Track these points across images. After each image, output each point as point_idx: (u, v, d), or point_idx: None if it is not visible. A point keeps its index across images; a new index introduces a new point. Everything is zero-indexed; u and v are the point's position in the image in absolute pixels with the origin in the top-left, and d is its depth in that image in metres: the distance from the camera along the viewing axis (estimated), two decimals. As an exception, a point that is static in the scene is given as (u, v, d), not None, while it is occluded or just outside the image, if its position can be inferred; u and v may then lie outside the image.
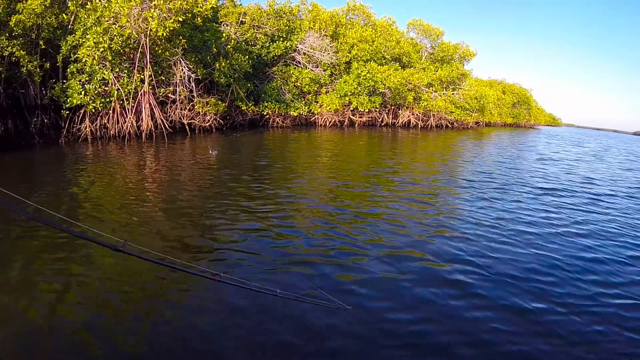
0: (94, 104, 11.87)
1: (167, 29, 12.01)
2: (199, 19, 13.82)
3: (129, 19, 11.70)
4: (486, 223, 6.55)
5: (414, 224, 6.26)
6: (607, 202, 9.31)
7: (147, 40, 12.23)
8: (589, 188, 11.04)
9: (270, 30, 21.55)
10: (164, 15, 11.95)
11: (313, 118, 24.12)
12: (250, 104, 19.16)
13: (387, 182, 9.41)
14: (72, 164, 9.05)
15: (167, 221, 5.59)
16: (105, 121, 12.72)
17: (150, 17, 11.73)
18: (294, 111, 21.63)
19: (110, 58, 11.99)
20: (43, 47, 11.63)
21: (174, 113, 14.30)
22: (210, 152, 10.01)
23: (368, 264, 4.60)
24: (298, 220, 6.03)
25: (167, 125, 13.23)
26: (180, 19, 12.35)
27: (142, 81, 12.72)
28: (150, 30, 11.87)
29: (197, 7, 13.04)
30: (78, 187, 7.01)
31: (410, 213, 6.85)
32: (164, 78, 13.80)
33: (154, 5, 11.73)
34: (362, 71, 24.31)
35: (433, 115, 31.09)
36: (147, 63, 12.57)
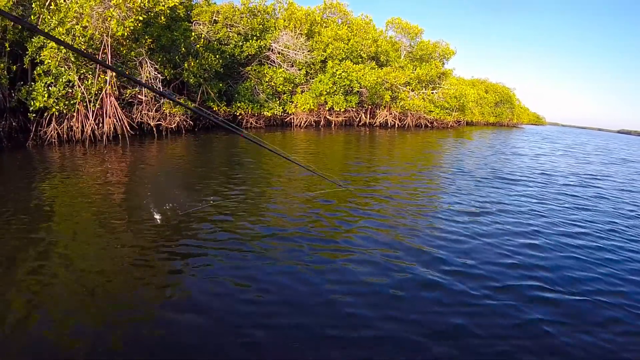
0: (58, 107, 12.27)
1: (127, 29, 12.38)
2: (162, 17, 14.24)
3: (89, 19, 12.14)
4: (454, 216, 7.36)
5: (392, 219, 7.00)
6: (551, 192, 10.32)
7: (110, 40, 12.68)
8: (544, 179, 12.63)
9: (243, 29, 22.08)
10: (124, 14, 12.40)
11: (288, 118, 24.72)
12: (223, 105, 19.68)
13: (361, 181, 10.15)
14: (36, 168, 9.50)
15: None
16: (72, 124, 13.12)
17: (110, 16, 12.15)
18: (268, 111, 22.18)
19: (73, 59, 12.42)
20: (8, 49, 12.00)
21: (140, 115, 14.76)
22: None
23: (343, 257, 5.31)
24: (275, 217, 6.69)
25: (128, 128, 13.61)
26: (141, 18, 12.74)
27: (107, 82, 13.18)
28: (111, 29, 12.34)
29: (159, 5, 13.44)
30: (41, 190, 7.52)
31: (386, 210, 7.54)
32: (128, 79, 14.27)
33: (114, 4, 12.17)
34: (337, 70, 25.05)
35: (411, 114, 32.09)
36: (109, 63, 13.01)
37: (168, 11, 14.22)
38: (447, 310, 4.10)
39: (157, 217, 4.41)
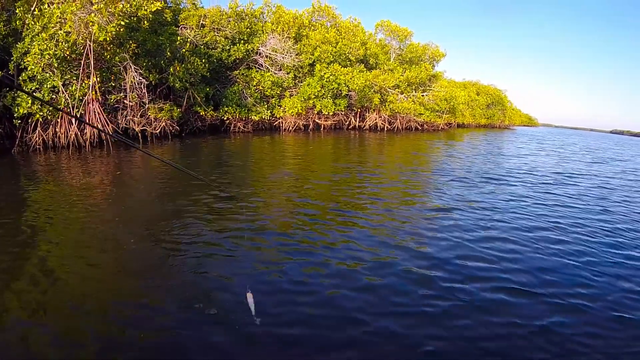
0: (42, 113, 12.46)
1: (110, 34, 12.60)
2: (145, 22, 14.47)
3: (72, 24, 12.33)
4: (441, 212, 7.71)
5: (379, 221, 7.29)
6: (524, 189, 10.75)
7: (92, 45, 12.89)
8: (521, 177, 13.20)
9: (230, 32, 22.38)
10: (105, 19, 12.58)
11: (276, 122, 25.03)
12: (210, 109, 19.93)
13: (350, 184, 10.46)
14: (20, 175, 9.69)
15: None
16: (57, 130, 13.29)
17: (91, 22, 12.35)
18: (256, 115, 22.47)
19: (56, 65, 12.64)
20: (-7, 55, 12.23)
21: (125, 120, 14.97)
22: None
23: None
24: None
25: (111, 134, 13.81)
26: (123, 23, 12.94)
27: (91, 88, 13.39)
28: (94, 35, 12.57)
29: (142, 10, 13.69)
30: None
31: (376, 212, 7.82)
32: (114, 84, 14.49)
33: (95, 9, 12.36)
34: (325, 73, 25.42)
35: (401, 117, 32.55)
36: (92, 69, 13.23)
37: (151, 15, 14.44)
38: (416, 302, 4.40)
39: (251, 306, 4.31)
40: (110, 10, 12.55)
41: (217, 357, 3.45)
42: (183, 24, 20.99)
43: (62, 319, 3.82)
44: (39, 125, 12.88)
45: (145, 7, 13.57)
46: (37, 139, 12.82)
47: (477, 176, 12.62)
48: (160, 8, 14.85)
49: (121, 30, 13.00)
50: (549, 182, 12.83)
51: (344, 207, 7.95)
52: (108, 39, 12.73)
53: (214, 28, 21.93)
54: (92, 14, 12.37)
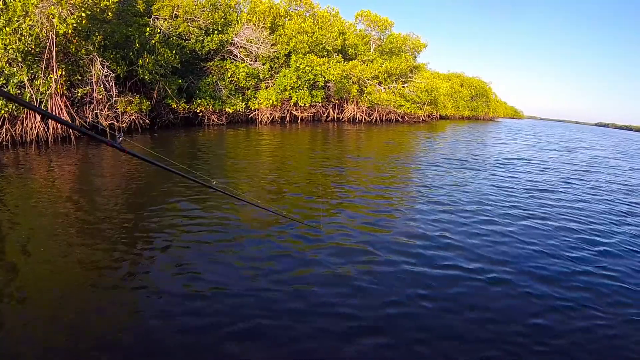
0: (7, 109, 12.73)
1: (70, 26, 12.84)
2: (109, 13, 14.72)
3: (34, 17, 12.52)
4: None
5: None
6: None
7: (55, 38, 13.05)
8: (483, 164, 14.21)
9: (204, 23, 22.64)
10: (66, 11, 12.77)
11: (252, 114, 25.45)
12: (182, 102, 20.27)
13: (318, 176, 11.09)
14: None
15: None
16: (25, 125, 13.55)
17: (51, 14, 12.57)
18: (230, 107, 22.85)
19: (19, 59, 12.92)
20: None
21: (92, 114, 15.27)
22: None
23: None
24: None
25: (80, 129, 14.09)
26: (84, 14, 13.15)
27: (55, 82, 13.69)
28: (55, 27, 12.78)
29: (104, 0, 13.88)
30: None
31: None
32: (80, 77, 14.78)
33: (55, 1, 12.55)
34: (300, 64, 25.87)
35: (381, 109, 33.27)
36: (54, 62, 13.45)
37: (113, 6, 14.67)
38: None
39: None
40: (70, 2, 12.81)
41: (176, 330, 3.87)
42: (156, 15, 21.19)
43: (39, 296, 4.26)
44: (6, 121, 13.15)
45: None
46: (5, 135, 13.10)
47: (445, 162, 13.90)
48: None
49: (83, 22, 13.27)
50: (506, 166, 14.27)
51: (313, 192, 8.67)
52: (69, 31, 13.00)
53: (187, 18, 22.17)
54: (53, 7, 12.63)
